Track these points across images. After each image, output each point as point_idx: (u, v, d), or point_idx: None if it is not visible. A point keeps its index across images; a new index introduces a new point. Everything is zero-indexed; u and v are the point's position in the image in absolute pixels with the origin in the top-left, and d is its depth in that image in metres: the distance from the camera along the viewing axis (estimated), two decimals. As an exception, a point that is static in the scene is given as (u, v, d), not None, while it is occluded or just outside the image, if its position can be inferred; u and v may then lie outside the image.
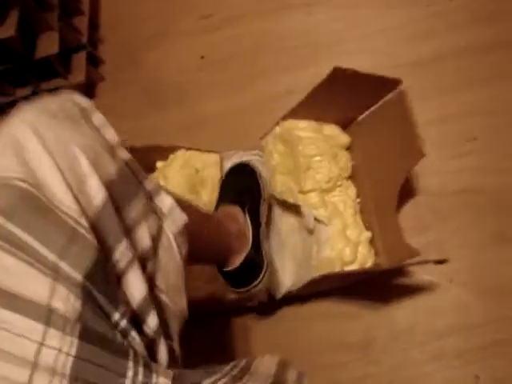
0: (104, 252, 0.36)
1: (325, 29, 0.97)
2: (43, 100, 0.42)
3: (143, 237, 0.41)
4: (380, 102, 0.80)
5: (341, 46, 0.96)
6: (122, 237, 0.38)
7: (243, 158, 0.91)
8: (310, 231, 0.81)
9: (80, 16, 1.02)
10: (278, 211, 0.89)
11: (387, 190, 0.79)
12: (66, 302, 0.32)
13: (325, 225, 0.80)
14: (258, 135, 0.87)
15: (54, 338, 0.31)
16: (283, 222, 0.87)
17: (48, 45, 0.98)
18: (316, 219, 0.80)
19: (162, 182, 0.89)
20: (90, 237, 0.34)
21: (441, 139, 0.91)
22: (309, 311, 0.86)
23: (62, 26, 0.98)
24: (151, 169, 0.92)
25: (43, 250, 0.32)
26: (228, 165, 0.91)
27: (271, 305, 0.86)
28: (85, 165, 0.37)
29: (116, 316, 0.35)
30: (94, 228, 0.35)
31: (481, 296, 0.84)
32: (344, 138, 0.84)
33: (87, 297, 0.33)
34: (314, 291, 0.85)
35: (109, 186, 0.38)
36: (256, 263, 0.77)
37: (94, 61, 1.04)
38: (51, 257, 0.32)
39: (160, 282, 0.43)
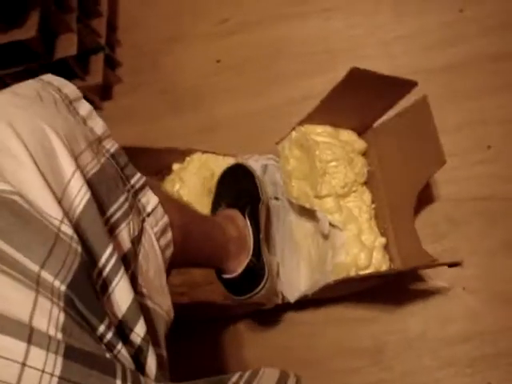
0: (89, 258, 0.34)
1: (342, 35, 0.98)
2: (19, 86, 0.40)
3: (124, 239, 0.40)
4: (398, 108, 0.81)
5: (357, 52, 0.97)
6: (107, 241, 0.36)
7: (259, 161, 0.92)
8: (325, 236, 0.81)
9: (98, 18, 1.03)
10: (293, 216, 0.89)
11: (404, 196, 0.79)
12: (50, 317, 0.30)
13: (340, 230, 0.80)
14: (274, 140, 0.88)
15: (37, 357, 0.29)
16: (298, 226, 0.88)
17: (66, 46, 0.99)
18: (331, 224, 0.80)
19: (178, 185, 0.90)
20: (73, 244, 0.32)
21: (455, 147, 0.91)
22: (322, 316, 0.87)
23: (80, 28, 0.99)
24: (168, 171, 0.93)
25: (24, 260, 0.30)
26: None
27: (285, 309, 0.87)
28: (66, 162, 0.35)
29: (101, 328, 0.33)
30: (78, 232, 0.34)
31: (494, 303, 0.84)
32: (360, 144, 0.85)
33: (71, 309, 0.31)
34: (328, 296, 0.85)
35: (91, 182, 0.37)
36: (257, 271, 0.74)
37: (111, 63, 1.05)
38: (32, 267, 0.30)
39: (142, 286, 0.41)
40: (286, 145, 0.86)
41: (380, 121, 0.85)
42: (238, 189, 0.83)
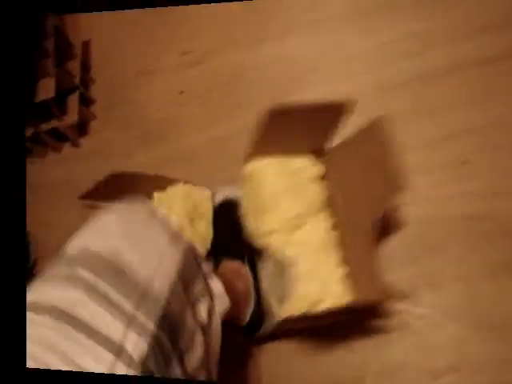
0: (175, 317, 0.44)
1: (300, 57, 0.95)
2: (123, 202, 0.54)
3: (201, 312, 0.50)
4: (356, 129, 0.76)
5: (317, 73, 0.93)
6: (188, 307, 0.46)
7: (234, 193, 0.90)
8: (280, 272, 0.79)
9: (73, 60, 1.07)
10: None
11: (363, 223, 0.75)
12: (135, 346, 0.38)
13: (293, 265, 0.76)
14: (239, 167, 0.86)
15: (121, 370, 0.37)
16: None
17: (45, 90, 1.03)
18: (285, 259, 0.77)
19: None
20: (161, 297, 0.43)
21: (429, 164, 0.85)
22: (295, 348, 0.84)
23: (57, 71, 1.03)
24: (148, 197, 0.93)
25: (122, 301, 0.40)
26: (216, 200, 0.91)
27: (247, 344, 0.85)
28: (161, 253, 0.47)
29: (174, 362, 0.42)
30: (166, 299, 0.44)
31: (479, 332, 0.77)
32: (314, 170, 0.81)
33: (155, 343, 0.40)
34: (290, 330, 0.82)
35: (178, 268, 0.48)
36: (260, 316, 0.80)
37: (85, 101, 1.08)
38: (128, 307, 0.40)
39: (210, 354, 0.50)
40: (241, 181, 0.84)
41: (339, 141, 0.81)
42: (234, 232, 0.86)
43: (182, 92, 0.97)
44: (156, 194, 0.95)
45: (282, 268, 0.78)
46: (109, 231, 0.47)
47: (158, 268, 0.45)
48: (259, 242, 0.80)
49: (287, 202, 0.78)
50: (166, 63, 1.02)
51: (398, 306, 0.83)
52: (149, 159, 0.96)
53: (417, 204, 0.85)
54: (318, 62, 0.94)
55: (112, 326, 0.39)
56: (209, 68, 0.98)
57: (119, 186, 0.82)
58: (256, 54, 0.97)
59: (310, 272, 0.76)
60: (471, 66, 0.87)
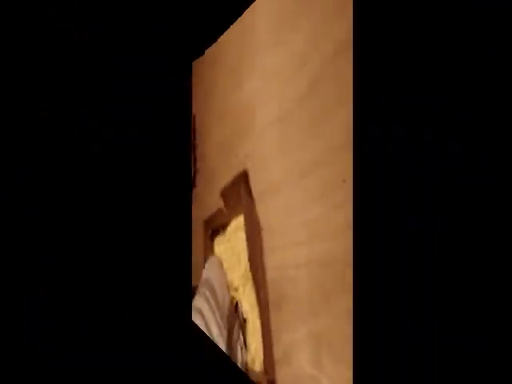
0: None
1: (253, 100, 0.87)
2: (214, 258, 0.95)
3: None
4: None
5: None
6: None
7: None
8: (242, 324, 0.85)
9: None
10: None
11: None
12: (220, 334, 0.88)
13: (246, 319, 0.83)
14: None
15: (222, 341, 0.88)
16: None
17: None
18: (243, 313, 0.84)
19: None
20: (227, 309, 0.87)
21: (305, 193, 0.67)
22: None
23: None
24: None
25: (216, 311, 0.87)
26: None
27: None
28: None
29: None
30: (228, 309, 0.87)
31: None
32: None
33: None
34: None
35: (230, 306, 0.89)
36: None
37: (194, 160, 1.41)
38: (217, 315, 0.86)
39: None
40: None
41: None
42: None
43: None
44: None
45: (242, 321, 0.85)
46: (213, 274, 0.89)
47: (226, 296, 0.84)
48: (232, 296, 0.88)
49: (244, 258, 0.83)
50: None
51: (310, 370, 0.74)
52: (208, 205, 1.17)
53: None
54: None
55: (213, 321, 0.83)
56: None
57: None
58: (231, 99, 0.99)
59: (253, 330, 0.80)
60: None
